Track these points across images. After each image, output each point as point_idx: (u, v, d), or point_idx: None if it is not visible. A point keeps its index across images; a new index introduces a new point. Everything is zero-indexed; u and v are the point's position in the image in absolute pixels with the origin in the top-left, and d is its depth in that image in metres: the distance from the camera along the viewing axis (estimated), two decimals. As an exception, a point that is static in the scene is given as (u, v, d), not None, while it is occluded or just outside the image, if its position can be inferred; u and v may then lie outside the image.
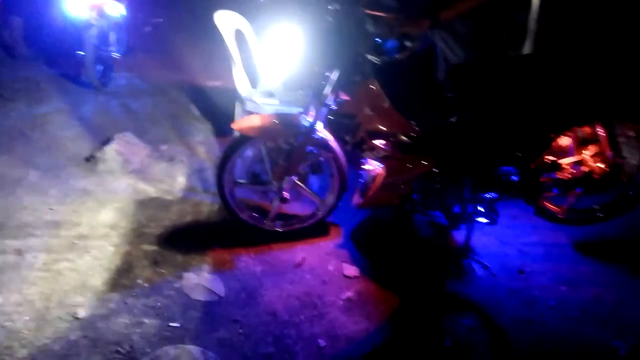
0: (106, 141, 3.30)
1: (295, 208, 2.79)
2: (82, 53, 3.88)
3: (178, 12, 5.55)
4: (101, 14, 3.97)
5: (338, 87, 2.38)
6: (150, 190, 3.02)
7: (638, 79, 2.47)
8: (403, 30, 2.23)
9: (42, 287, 2.21)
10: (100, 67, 4.08)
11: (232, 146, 2.57)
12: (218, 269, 2.47)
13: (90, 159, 3.18)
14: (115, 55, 4.29)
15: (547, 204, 2.74)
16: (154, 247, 2.56)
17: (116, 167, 3.13)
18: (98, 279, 2.30)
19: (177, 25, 5.34)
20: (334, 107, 2.45)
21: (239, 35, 3.05)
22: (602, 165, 2.60)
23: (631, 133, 2.66)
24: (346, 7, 2.33)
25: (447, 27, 2.52)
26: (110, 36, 4.17)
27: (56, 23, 4.19)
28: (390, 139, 2.51)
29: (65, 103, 3.85)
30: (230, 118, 3.23)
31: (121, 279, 2.32)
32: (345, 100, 2.45)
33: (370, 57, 2.33)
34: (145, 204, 2.89)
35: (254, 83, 3.06)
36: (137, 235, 2.64)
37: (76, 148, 3.32)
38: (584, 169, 2.62)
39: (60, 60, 4.29)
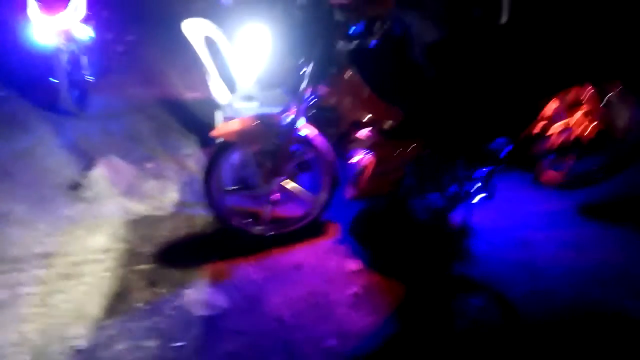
0: (90, 166, 3.23)
1: (289, 209, 2.74)
2: (55, 80, 3.80)
3: (149, 28, 5.47)
4: (70, 39, 3.88)
5: (315, 81, 2.33)
6: (140, 209, 2.95)
7: (622, 37, 2.43)
8: (370, 12, 2.18)
9: (38, 323, 2.16)
10: (75, 92, 4.00)
11: (215, 154, 2.52)
12: (217, 281, 2.42)
13: (75, 187, 3.11)
14: (90, 78, 4.21)
15: (544, 170, 2.70)
16: (149, 267, 2.51)
17: (103, 191, 3.07)
18: (95, 307, 2.25)
19: (150, 40, 5.26)
20: (314, 101, 2.39)
21: (210, 41, 2.99)
22: (594, 126, 2.55)
23: (618, 92, 2.61)
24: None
25: (418, 5, 2.48)
26: (82, 60, 4.09)
27: (25, 52, 4.11)
28: (376, 126, 2.46)
29: (44, 133, 3.77)
30: (213, 127, 3.16)
31: (118, 303, 2.27)
32: (325, 93, 2.40)
33: (342, 45, 2.27)
34: (136, 224, 2.83)
35: (231, 88, 3.00)
36: (131, 256, 2.58)
37: (60, 177, 3.25)
38: (576, 132, 2.57)
39: (34, 89, 4.20)
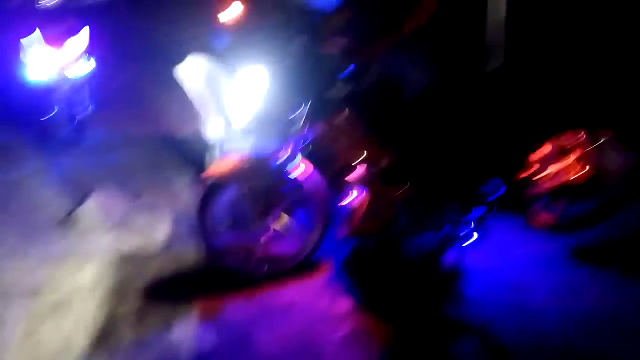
0: (84, 198, 3.23)
1: (281, 247, 2.73)
2: (52, 112, 3.84)
3: (148, 64, 5.57)
4: (69, 72, 3.95)
5: (311, 121, 2.37)
6: (131, 243, 2.94)
7: (615, 85, 2.50)
8: (362, 57, 2.25)
9: (25, 356, 2.12)
10: (72, 125, 4.04)
11: (209, 192, 2.53)
12: (207, 318, 2.39)
13: (67, 220, 3.11)
14: (87, 111, 4.25)
15: (536, 213, 2.71)
16: (139, 303, 2.48)
17: (96, 223, 3.06)
18: (82, 342, 2.22)
19: (148, 76, 5.34)
20: (309, 140, 2.43)
21: (207, 79, 3.05)
22: (586, 172, 2.59)
23: (609, 138, 2.66)
24: (308, 42, 2.36)
25: (408, 49, 2.55)
26: (80, 93, 4.14)
27: (24, 85, 4.16)
28: (369, 166, 2.48)
29: (39, 164, 3.78)
30: (208, 163, 3.19)
31: (106, 339, 2.24)
32: (319, 133, 2.44)
33: (338, 86, 2.33)
34: (127, 259, 2.81)
35: (226, 125, 3.04)
36: (120, 292, 2.56)
37: (54, 209, 3.25)
38: (568, 176, 2.60)
39: (32, 121, 4.23)
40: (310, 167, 2.51)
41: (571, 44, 2.67)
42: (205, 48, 4.40)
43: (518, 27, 2.82)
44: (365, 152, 2.46)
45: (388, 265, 2.76)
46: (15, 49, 3.86)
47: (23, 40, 3.83)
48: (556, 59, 2.56)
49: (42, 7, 3.95)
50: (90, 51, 4.12)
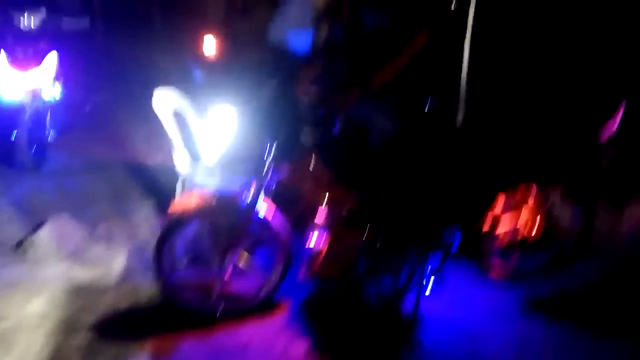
0: (38, 225, 3.13)
1: (239, 286, 2.70)
2: (14, 136, 3.76)
3: (119, 90, 5.55)
4: (36, 96, 3.90)
5: (278, 162, 2.41)
6: (85, 275, 2.85)
7: (564, 143, 2.64)
8: (333, 106, 2.32)
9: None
10: (34, 149, 3.95)
11: (171, 226, 2.50)
12: (158, 358, 2.32)
13: (20, 246, 3.00)
14: (51, 135, 4.18)
15: (491, 263, 2.79)
16: (87, 338, 2.39)
17: (48, 252, 2.96)
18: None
19: (118, 102, 5.33)
20: (274, 181, 2.45)
21: (178, 112, 3.06)
22: (538, 226, 2.70)
23: (560, 192, 2.79)
24: (281, 85, 2.42)
25: (377, 98, 2.64)
26: (46, 117, 4.08)
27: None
28: (333, 209, 2.52)
29: (-5, 188, 3.67)
30: (172, 195, 3.16)
31: (50, 377, 2.14)
32: (286, 174, 2.47)
33: (305, 133, 2.38)
34: (79, 291, 2.72)
35: (194, 160, 3.04)
36: (69, 325, 2.47)
37: (6, 235, 3.13)
38: (522, 229, 2.71)
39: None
40: (274, 207, 2.53)
41: (524, 103, 2.82)
42: (179, 79, 4.44)
43: (478, 85, 2.97)
44: (329, 195, 2.50)
45: (347, 310, 2.77)
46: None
47: (0, 56, 3.78)
48: (510, 116, 2.69)
49: (17, 26, 3.92)
50: (58, 76, 4.09)
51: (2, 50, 3.80)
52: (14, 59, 3.84)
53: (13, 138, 3.76)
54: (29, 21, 3.97)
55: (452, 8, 2.86)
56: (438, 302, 2.75)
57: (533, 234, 2.72)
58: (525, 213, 2.72)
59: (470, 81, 3.88)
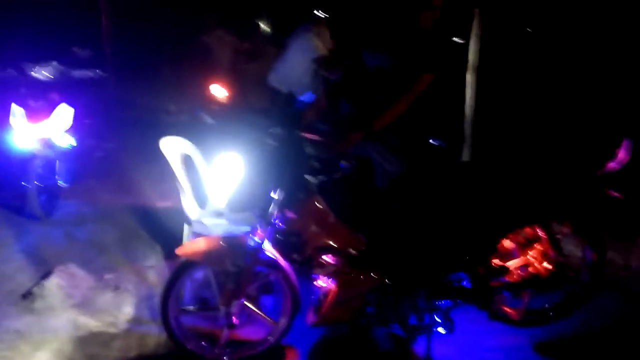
0: (46, 274, 3.13)
1: (247, 333, 2.66)
2: (25, 184, 3.82)
3: (130, 136, 5.66)
4: (48, 145, 3.98)
5: (283, 206, 2.41)
6: (92, 324, 2.83)
7: (570, 180, 2.63)
8: (337, 149, 2.35)
9: None
10: (44, 197, 4.00)
11: (177, 272, 2.50)
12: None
13: (27, 296, 2.99)
14: (62, 183, 4.24)
15: (501, 306, 2.73)
16: (93, 391, 2.36)
17: (56, 302, 2.95)
18: None
19: (128, 149, 5.42)
20: (280, 225, 2.46)
21: (186, 158, 3.10)
22: (548, 265, 2.65)
23: (569, 231, 2.76)
24: (286, 130, 2.45)
25: (381, 139, 2.67)
26: (57, 165, 4.16)
27: (2, 154, 4.16)
28: (339, 253, 2.51)
29: (5, 236, 3.70)
30: (180, 240, 3.17)
31: None
32: (292, 219, 2.47)
33: (309, 178, 2.40)
34: (85, 342, 2.69)
35: (201, 205, 3.06)
36: (75, 378, 2.43)
37: (13, 284, 3.13)
38: (531, 270, 2.66)
39: (5, 192, 4.20)
40: (281, 252, 2.52)
41: (528, 139, 2.84)
42: (187, 125, 4.52)
43: (484, 125, 3.01)
44: (334, 238, 2.49)
45: (357, 354, 2.71)
46: (6, 114, 3.91)
47: (13, 107, 3.89)
48: (516, 154, 2.70)
49: (34, 78, 4.05)
50: (69, 126, 4.18)
51: (14, 104, 3.91)
52: (26, 110, 3.94)
53: (25, 186, 3.81)
54: (41, 73, 4.11)
55: (454, 47, 2.92)
56: (448, 346, 2.69)
57: (542, 274, 2.67)
58: (534, 252, 2.69)
59: (475, 119, 3.93)
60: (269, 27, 7.84)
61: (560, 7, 5.02)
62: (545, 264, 2.65)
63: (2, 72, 4.06)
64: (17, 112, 3.93)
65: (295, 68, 4.06)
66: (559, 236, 2.67)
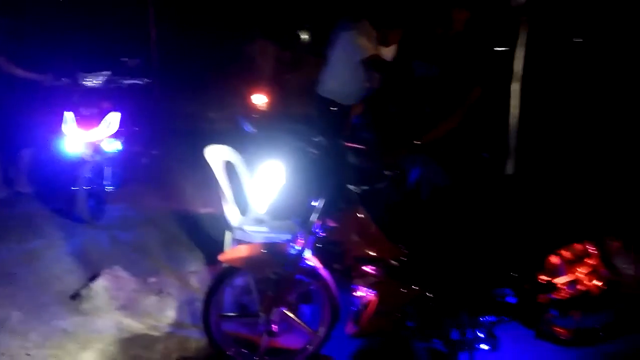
0: (93, 277, 3.23)
1: (286, 341, 2.67)
2: (74, 188, 3.96)
3: (174, 143, 5.80)
4: (97, 151, 4.13)
5: (325, 215, 2.41)
6: (135, 327, 2.90)
7: (623, 195, 2.52)
8: (382, 160, 2.32)
9: None
10: (92, 201, 4.14)
11: (219, 278, 2.53)
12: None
13: (75, 297, 3.09)
14: (109, 188, 4.38)
15: (549, 325, 2.63)
16: (135, 392, 2.40)
17: (102, 304, 3.04)
18: None
19: (173, 155, 5.55)
20: (321, 234, 2.45)
21: (229, 166, 3.15)
22: (598, 283, 2.54)
23: (619, 246, 2.64)
24: (329, 139, 2.45)
25: (428, 151, 2.63)
26: (105, 170, 4.29)
27: (54, 159, 4.34)
28: (380, 264, 2.48)
29: (56, 238, 3.85)
30: (222, 246, 3.21)
31: None
32: (333, 228, 2.46)
33: (351, 187, 2.38)
34: (129, 343, 2.76)
35: (243, 212, 3.09)
36: (118, 378, 2.49)
37: (62, 285, 3.25)
38: (580, 287, 2.55)
39: (56, 195, 4.37)
40: (321, 261, 2.51)
41: (577, 152, 2.74)
42: (229, 133, 4.57)
43: (529, 137, 2.92)
44: (376, 250, 2.46)
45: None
46: (59, 121, 4.09)
47: (66, 114, 4.07)
48: (564, 170, 2.61)
49: (84, 86, 4.22)
50: (118, 132, 4.33)
51: (68, 111, 4.08)
52: (78, 117, 4.10)
53: (75, 190, 3.95)
54: (93, 82, 4.27)
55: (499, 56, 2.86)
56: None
57: (594, 290, 2.56)
58: (583, 268, 2.58)
59: (521, 130, 3.82)
60: (309, 38, 7.92)
61: (608, 17, 4.87)
62: (595, 282, 2.54)
63: (56, 81, 4.24)
64: (69, 119, 4.10)
65: (341, 74, 3.85)
66: (612, 250, 2.56)
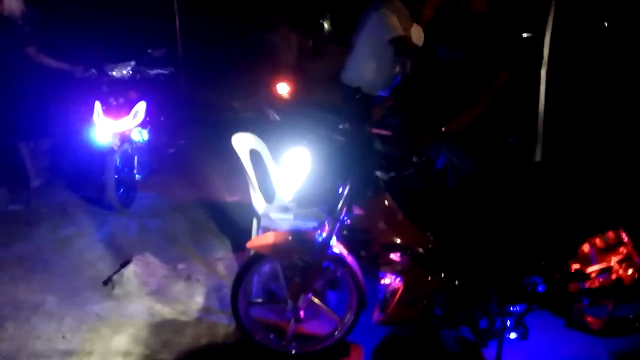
0: (125, 263, 3.31)
1: (313, 327, 2.69)
2: (104, 177, 4.04)
3: (200, 133, 5.86)
4: (125, 141, 4.20)
5: (351, 202, 2.40)
6: (166, 312, 2.96)
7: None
8: (409, 147, 2.30)
9: None
10: (121, 190, 4.22)
11: (247, 265, 2.56)
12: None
13: (107, 282, 3.18)
14: (138, 177, 4.46)
15: (580, 314, 2.59)
16: (167, 375, 2.46)
17: (133, 289, 3.11)
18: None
19: (199, 145, 5.61)
20: (348, 222, 2.45)
21: (255, 154, 3.17)
22: (632, 272, 2.48)
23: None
24: (355, 126, 2.44)
25: (454, 138, 2.60)
26: (133, 160, 4.37)
27: (85, 149, 4.43)
28: (407, 252, 2.46)
29: (87, 226, 3.94)
30: (249, 233, 3.25)
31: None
32: (359, 215, 2.46)
33: (379, 174, 2.37)
34: (160, 328, 2.82)
35: (270, 199, 3.12)
36: (151, 361, 2.55)
37: (95, 271, 3.34)
38: (613, 276, 2.50)
39: (87, 184, 4.47)
40: (348, 248, 2.51)
41: (610, 142, 2.67)
42: (255, 121, 4.58)
43: (557, 124, 2.86)
44: (403, 237, 2.45)
45: (424, 356, 2.66)
46: (89, 112, 4.17)
47: (97, 104, 4.15)
48: (596, 157, 2.54)
49: (112, 76, 4.29)
50: (145, 122, 4.39)
51: (97, 102, 4.16)
52: (107, 107, 4.18)
53: (105, 179, 4.03)
54: (120, 72, 4.33)
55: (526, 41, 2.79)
56: (521, 353, 2.59)
57: (627, 279, 2.50)
58: (616, 257, 2.52)
59: (549, 115, 3.73)
60: (332, 26, 7.87)
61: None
62: (629, 270, 2.48)
63: (85, 72, 4.31)
64: (98, 109, 4.18)
65: (365, 64, 3.78)
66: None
